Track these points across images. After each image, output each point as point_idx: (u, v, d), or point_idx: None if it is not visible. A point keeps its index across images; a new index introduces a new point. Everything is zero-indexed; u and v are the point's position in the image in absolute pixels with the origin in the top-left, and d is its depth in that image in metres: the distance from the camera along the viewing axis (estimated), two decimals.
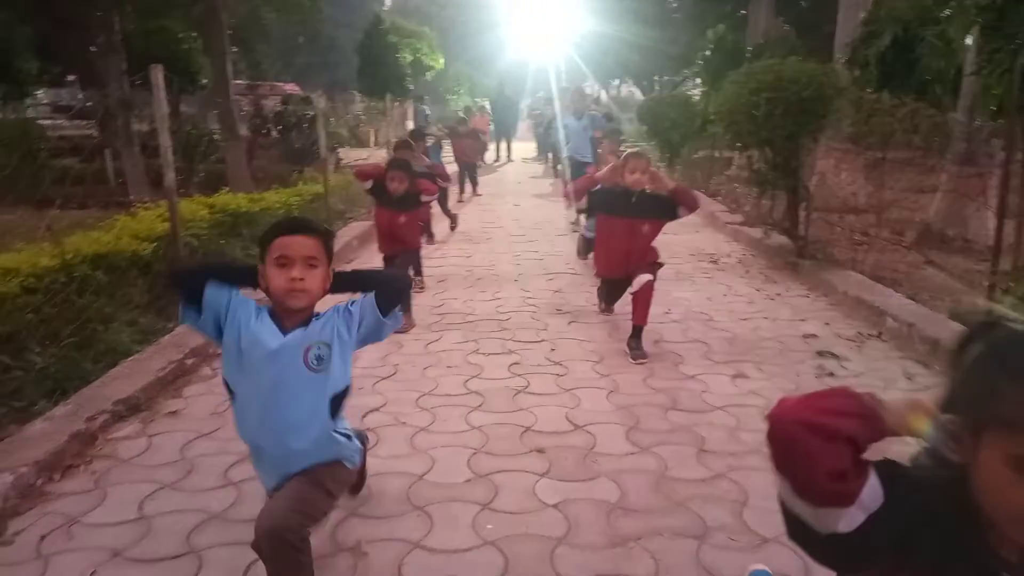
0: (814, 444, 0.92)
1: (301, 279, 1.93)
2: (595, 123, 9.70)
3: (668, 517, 2.66)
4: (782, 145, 6.33)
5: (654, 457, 3.12)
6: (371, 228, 6.95)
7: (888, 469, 0.98)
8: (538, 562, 2.41)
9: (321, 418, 2.03)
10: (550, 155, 15.75)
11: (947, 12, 8.26)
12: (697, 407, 3.65)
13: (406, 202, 5.19)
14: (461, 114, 15.86)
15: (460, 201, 11.38)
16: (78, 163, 10.31)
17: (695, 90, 17.05)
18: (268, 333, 1.98)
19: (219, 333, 2.02)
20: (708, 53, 13.36)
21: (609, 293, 4.97)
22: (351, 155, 13.90)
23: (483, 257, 7.49)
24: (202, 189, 7.95)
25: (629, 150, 4.74)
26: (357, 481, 2.62)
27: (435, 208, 7.94)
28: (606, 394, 3.83)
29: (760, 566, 2.30)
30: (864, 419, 0.95)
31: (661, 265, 4.59)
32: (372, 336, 2.10)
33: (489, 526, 2.58)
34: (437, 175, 6.47)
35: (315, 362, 1.98)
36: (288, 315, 2.00)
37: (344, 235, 8.06)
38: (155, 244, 5.05)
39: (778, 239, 6.97)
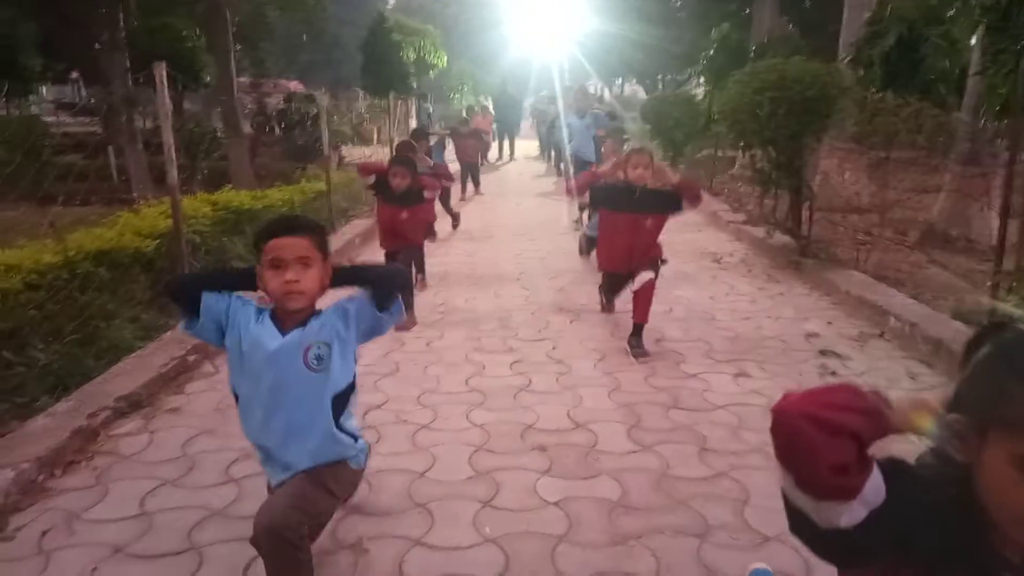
0: (818, 438, 0.92)
1: (296, 281, 1.92)
2: (598, 122, 9.71)
3: (669, 515, 2.66)
4: (785, 144, 6.32)
5: (655, 455, 3.12)
6: (373, 225, 6.95)
7: (892, 466, 0.98)
8: (539, 560, 2.40)
9: (323, 418, 2.02)
10: (552, 153, 15.75)
11: (952, 12, 8.25)
12: (699, 406, 3.65)
13: (408, 198, 5.19)
14: (464, 114, 15.87)
15: (462, 199, 11.38)
16: (81, 160, 10.33)
17: (698, 89, 17.03)
18: (268, 335, 1.99)
19: (222, 338, 2.03)
20: (712, 52, 13.35)
21: (611, 288, 4.97)
22: (354, 153, 13.90)
23: (485, 255, 7.49)
24: (205, 186, 7.98)
25: (631, 145, 4.73)
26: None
27: (437, 207, 7.94)
28: (607, 392, 3.83)
29: (761, 565, 2.30)
30: (868, 415, 0.95)
31: (664, 262, 4.58)
32: (373, 332, 2.08)
33: (487, 529, 2.57)
34: (440, 175, 6.46)
35: (315, 362, 1.97)
36: (288, 316, 2.00)
37: (347, 232, 8.08)
38: (158, 241, 5.05)
39: (781, 238, 6.96)
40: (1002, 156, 6.03)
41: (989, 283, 4.94)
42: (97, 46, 11.68)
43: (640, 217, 4.38)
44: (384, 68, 19.50)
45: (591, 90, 15.30)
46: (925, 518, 0.94)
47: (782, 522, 1.05)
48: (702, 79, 14.68)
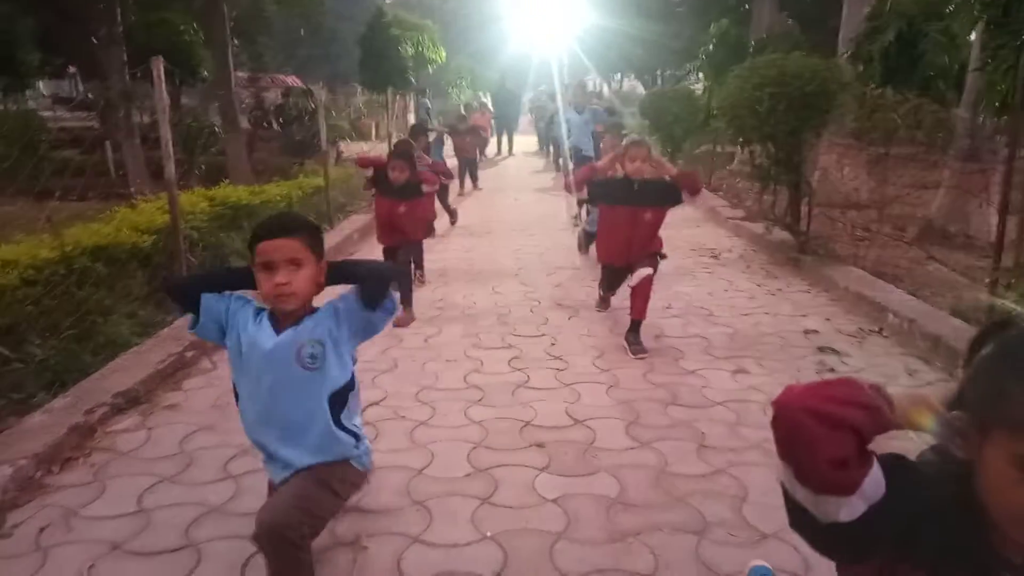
0: (818, 431, 0.91)
1: (286, 283, 1.92)
2: (596, 117, 9.69)
3: (668, 512, 2.66)
4: (785, 140, 6.31)
5: (654, 452, 3.11)
6: (372, 221, 6.93)
7: (893, 462, 0.98)
8: (537, 557, 2.40)
9: (321, 416, 2.01)
10: (551, 149, 15.72)
11: (951, 8, 8.23)
12: (697, 402, 3.64)
13: (406, 191, 5.17)
14: (462, 110, 15.84)
15: (460, 195, 11.37)
16: (78, 155, 10.29)
17: (697, 85, 17.00)
18: (264, 334, 1.99)
19: (224, 338, 2.05)
20: (711, 47, 13.32)
21: (610, 281, 4.95)
22: (352, 148, 13.89)
23: (483, 251, 7.48)
24: (202, 181, 7.95)
25: (629, 138, 4.71)
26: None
27: (436, 204, 7.92)
28: (606, 389, 3.82)
29: (760, 562, 2.30)
30: (869, 410, 0.95)
31: (664, 256, 4.57)
32: (366, 330, 2.06)
33: (488, 533, 2.56)
34: (439, 173, 6.43)
35: (309, 360, 1.97)
36: (283, 315, 2.00)
37: (345, 228, 8.07)
38: (155, 236, 5.04)
39: (780, 234, 6.95)
40: (1001, 152, 6.03)
41: (988, 280, 4.94)
42: (94, 41, 11.62)
43: (639, 210, 4.37)
44: (382, 63, 19.43)
45: (590, 86, 15.25)
46: (925, 515, 0.94)
47: (780, 519, 1.04)
48: (701, 75, 14.65)
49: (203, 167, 10.69)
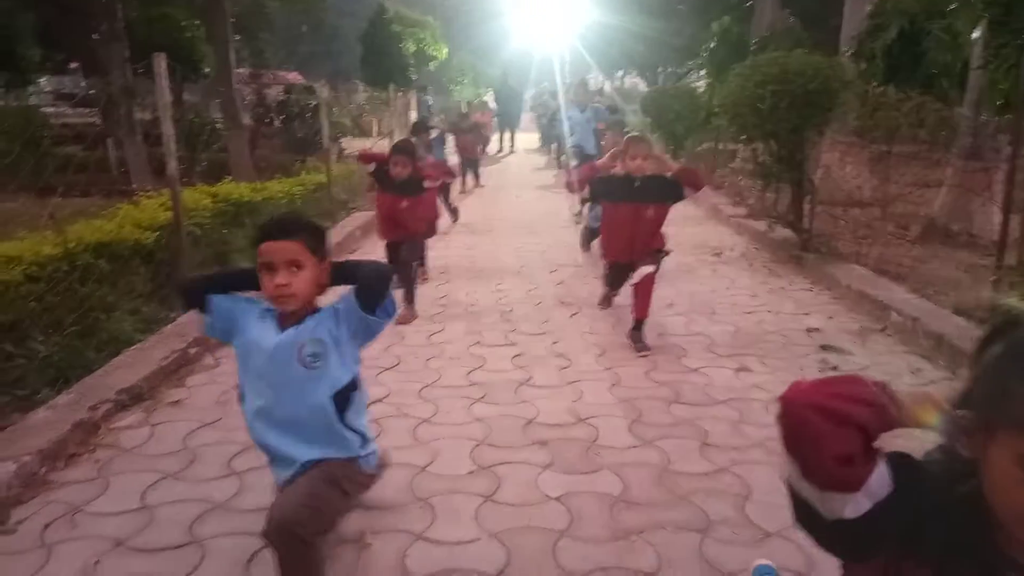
0: (824, 427, 0.92)
1: (285, 284, 1.93)
2: (598, 115, 9.68)
3: (671, 511, 2.66)
4: (787, 138, 6.31)
5: (657, 450, 3.12)
6: (374, 218, 6.93)
7: (899, 460, 0.98)
8: (540, 555, 2.41)
9: (324, 415, 2.02)
10: (554, 146, 15.71)
11: (954, 6, 8.21)
12: (700, 400, 3.65)
13: (408, 187, 5.16)
14: (463, 108, 15.83)
15: (463, 192, 11.37)
16: (81, 151, 10.30)
17: (699, 82, 16.98)
18: (268, 333, 2.01)
19: (232, 338, 2.07)
20: (713, 45, 13.30)
21: (614, 278, 4.95)
22: (354, 145, 13.86)
23: (486, 248, 7.48)
24: (205, 178, 7.94)
25: (629, 135, 4.70)
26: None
27: (438, 203, 7.90)
28: (609, 387, 3.83)
29: (764, 561, 2.30)
30: (876, 407, 0.95)
31: (667, 252, 4.57)
32: (365, 332, 2.06)
33: (488, 527, 2.57)
34: (442, 172, 6.42)
35: (310, 359, 1.98)
36: (287, 315, 2.02)
37: (347, 225, 8.07)
38: (158, 233, 5.04)
39: (782, 232, 6.95)
40: (1004, 151, 6.02)
41: (991, 278, 4.93)
42: (96, 36, 11.60)
43: (641, 207, 4.36)
44: (384, 60, 19.46)
45: (591, 84, 15.21)
46: (931, 514, 0.94)
47: (784, 518, 1.05)
48: (703, 72, 14.62)
49: (205, 164, 10.67)
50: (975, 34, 6.70)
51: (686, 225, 8.08)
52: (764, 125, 6.26)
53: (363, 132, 16.97)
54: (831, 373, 4.00)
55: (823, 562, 2.20)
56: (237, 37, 15.26)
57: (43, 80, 20.08)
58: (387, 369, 4.05)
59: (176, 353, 4.02)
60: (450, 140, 12.03)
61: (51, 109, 16.07)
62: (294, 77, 22.15)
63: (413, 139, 7.36)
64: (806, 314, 5.07)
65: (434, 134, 9.65)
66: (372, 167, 5.34)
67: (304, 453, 2.02)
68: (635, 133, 4.75)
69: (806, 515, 1.00)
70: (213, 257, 5.65)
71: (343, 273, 2.06)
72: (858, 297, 5.20)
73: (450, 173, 7.21)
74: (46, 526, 2.56)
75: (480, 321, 4.98)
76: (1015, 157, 4.94)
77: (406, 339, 4.55)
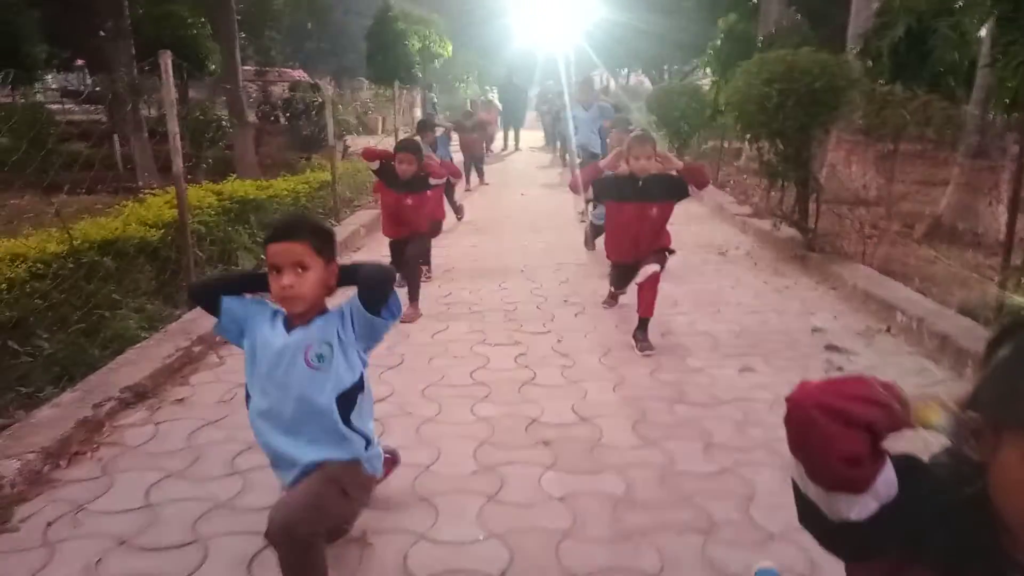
0: (832, 428, 0.91)
1: (291, 286, 1.96)
2: (604, 114, 9.67)
3: (674, 512, 2.65)
4: (793, 136, 6.28)
5: (660, 451, 3.11)
6: (379, 215, 6.93)
7: (906, 462, 0.97)
8: (543, 555, 2.40)
9: (328, 416, 2.03)
10: (558, 144, 15.69)
11: (961, 3, 8.18)
12: (704, 401, 3.64)
13: (414, 184, 5.14)
14: (467, 106, 15.82)
15: (467, 191, 11.36)
16: (87, 148, 10.32)
17: (704, 80, 16.94)
18: (276, 335, 2.04)
19: (242, 339, 2.10)
20: (719, 42, 13.25)
21: (619, 278, 4.94)
22: (359, 142, 13.87)
23: (490, 247, 7.47)
24: (210, 175, 7.97)
25: (633, 134, 4.68)
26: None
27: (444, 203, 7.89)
28: (612, 386, 3.82)
29: (767, 563, 2.29)
30: (884, 408, 0.94)
31: (672, 252, 4.55)
32: (370, 333, 2.08)
33: (491, 527, 2.57)
34: (449, 174, 6.41)
35: (316, 360, 2.00)
36: (295, 316, 2.05)
37: (351, 223, 8.07)
38: (163, 231, 5.05)
39: (787, 231, 6.93)
40: (1011, 150, 5.99)
41: (997, 278, 4.91)
42: (102, 34, 11.64)
43: (646, 206, 4.35)
44: (389, 57, 19.45)
45: (596, 82, 15.19)
46: (937, 517, 0.93)
47: (787, 519, 1.04)
48: (708, 70, 14.58)
49: (210, 161, 10.70)
50: (982, 32, 6.67)
51: (691, 223, 8.06)
52: (770, 123, 6.23)
53: (368, 130, 16.99)
54: (836, 373, 3.99)
55: (826, 564, 2.20)
56: (243, 35, 15.29)
57: (49, 77, 20.13)
58: (391, 368, 4.05)
59: (180, 351, 4.03)
60: (455, 138, 12.02)
61: (56, 106, 16.13)
62: (299, 74, 22.22)
63: (417, 137, 7.37)
64: (811, 314, 5.05)
65: (439, 132, 9.64)
66: (377, 164, 5.33)
67: (306, 455, 2.03)
68: (639, 132, 4.73)
69: (811, 516, 0.99)
70: (218, 255, 5.67)
71: (346, 275, 2.08)
72: (863, 297, 5.18)
73: (455, 173, 7.20)
74: (49, 524, 2.57)
75: (484, 320, 4.97)
76: (1022, 156, 4.90)
77: (410, 338, 4.55)
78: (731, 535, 2.51)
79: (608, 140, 7.57)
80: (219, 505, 2.69)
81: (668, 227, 4.51)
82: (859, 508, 0.93)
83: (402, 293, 4.51)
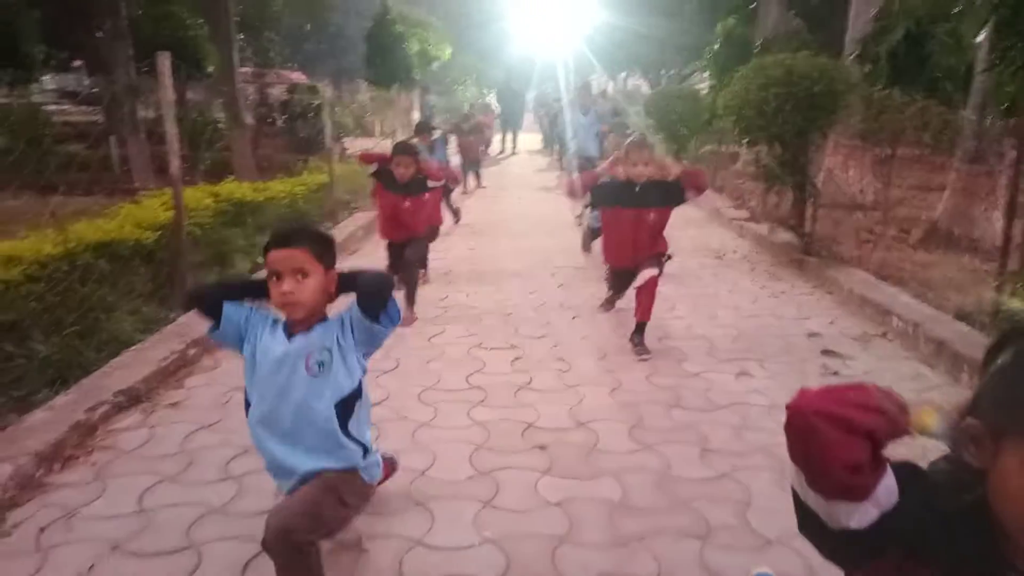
0: (832, 435, 0.91)
1: (291, 292, 1.97)
2: (602, 118, 9.68)
3: (671, 517, 2.64)
4: (791, 141, 6.29)
5: (657, 455, 3.10)
6: (376, 218, 6.92)
7: (906, 470, 0.97)
8: (539, 561, 2.39)
9: (327, 423, 2.04)
10: (556, 147, 15.70)
11: (959, 8, 8.20)
12: (700, 405, 3.63)
13: (412, 187, 5.13)
14: (465, 108, 15.81)
15: (464, 194, 11.36)
16: (83, 149, 10.30)
17: (702, 84, 16.95)
18: (276, 342, 2.04)
19: (242, 345, 2.09)
20: (717, 46, 13.27)
21: (616, 283, 4.93)
22: (356, 144, 13.86)
23: (487, 250, 7.46)
24: (207, 177, 7.94)
25: (630, 140, 4.67)
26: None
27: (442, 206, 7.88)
28: (609, 391, 3.81)
29: (764, 568, 2.29)
30: (884, 415, 0.94)
31: (669, 257, 4.55)
32: (369, 340, 2.07)
33: (487, 533, 2.55)
34: (447, 179, 6.40)
35: (316, 367, 2.01)
36: (296, 323, 2.05)
37: (348, 225, 8.06)
38: (159, 233, 5.03)
39: (784, 235, 6.93)
40: (1008, 155, 6.00)
41: (994, 283, 4.91)
42: (100, 35, 11.63)
43: (643, 212, 4.34)
44: (388, 59, 19.44)
45: (594, 86, 15.18)
46: (937, 524, 0.93)
47: (785, 524, 1.04)
48: (706, 73, 14.60)
49: (208, 163, 10.67)
50: (980, 37, 6.69)
51: (688, 228, 8.06)
52: (769, 127, 6.24)
53: (366, 132, 16.97)
54: (832, 378, 3.99)
55: (823, 571, 2.19)
56: (241, 36, 15.27)
57: (46, 78, 20.10)
58: (386, 372, 4.04)
59: (175, 354, 4.01)
60: (452, 141, 12.02)
61: (54, 107, 16.09)
62: (297, 76, 22.17)
63: (415, 139, 7.35)
64: (807, 318, 5.05)
65: (436, 135, 9.64)
66: (374, 168, 5.31)
67: (304, 463, 2.03)
68: (636, 138, 4.73)
69: (812, 525, 0.99)
70: (213, 257, 5.65)
71: (345, 282, 2.08)
72: (860, 301, 5.18)
73: (455, 178, 7.19)
74: (42, 529, 2.55)
75: (480, 323, 4.96)
76: (1020, 161, 4.91)
77: (406, 341, 4.54)
78: (728, 540, 2.50)
79: (605, 143, 7.57)
80: (213, 510, 2.67)
81: (665, 231, 4.50)
82: (860, 516, 0.93)
83: (399, 296, 4.50)
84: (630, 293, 4.55)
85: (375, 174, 5.32)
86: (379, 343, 2.11)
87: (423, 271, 5.94)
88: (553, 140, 16.43)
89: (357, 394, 2.09)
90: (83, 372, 3.67)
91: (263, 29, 21.09)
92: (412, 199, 5.18)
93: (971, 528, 0.91)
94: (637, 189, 4.29)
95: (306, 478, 2.04)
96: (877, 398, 0.96)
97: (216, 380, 3.92)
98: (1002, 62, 5.56)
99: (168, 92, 4.94)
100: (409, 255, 5.15)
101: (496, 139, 18.76)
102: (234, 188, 6.73)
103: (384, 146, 9.75)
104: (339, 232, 7.53)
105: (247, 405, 2.10)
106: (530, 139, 20.14)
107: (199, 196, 6.02)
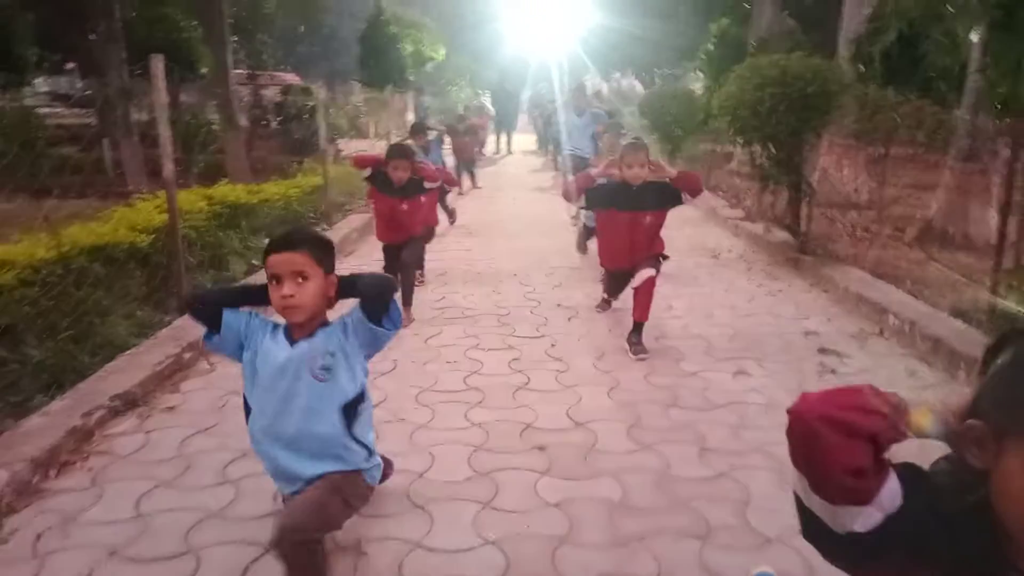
0: (835, 440, 0.90)
1: (291, 296, 1.96)
2: (597, 119, 9.67)
3: (670, 516, 2.64)
4: (786, 140, 6.30)
5: (656, 455, 3.10)
6: (371, 220, 6.91)
7: (909, 472, 0.97)
8: (539, 562, 2.39)
9: (333, 427, 2.04)
10: (550, 147, 15.70)
11: (952, 9, 8.22)
12: (698, 404, 3.63)
13: (408, 189, 5.10)
14: (460, 109, 15.81)
15: (460, 194, 11.34)
16: (77, 152, 10.26)
17: (696, 84, 16.99)
18: (278, 347, 2.04)
19: (241, 352, 2.09)
20: (711, 47, 13.30)
21: (613, 285, 4.93)
22: (351, 146, 13.84)
23: (483, 251, 7.46)
24: (201, 180, 7.91)
25: (626, 142, 4.67)
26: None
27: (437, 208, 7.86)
28: (607, 391, 3.81)
29: (764, 567, 2.29)
30: (887, 417, 0.93)
31: (666, 257, 4.55)
32: (372, 343, 2.08)
33: (491, 535, 2.55)
34: (444, 181, 6.38)
35: (321, 372, 2.01)
36: (297, 328, 2.04)
37: (343, 227, 8.04)
38: (153, 236, 5.01)
39: (780, 235, 6.94)
40: (1002, 153, 6.02)
41: (988, 281, 4.92)
42: (93, 37, 11.58)
43: (639, 214, 4.34)
44: (382, 61, 19.44)
45: (588, 87, 15.21)
46: (939, 525, 0.92)
47: (784, 523, 1.04)
48: (701, 73, 14.62)
49: (202, 165, 10.64)
50: (973, 37, 6.71)
51: (683, 227, 8.06)
52: (763, 127, 6.25)
53: (360, 133, 16.94)
54: (829, 376, 4.00)
55: (823, 570, 2.18)
56: (234, 38, 15.22)
57: (39, 80, 20.00)
58: (384, 374, 4.02)
59: (171, 358, 3.99)
60: (447, 142, 12.02)
61: (46, 110, 16.02)
62: (291, 78, 22.11)
63: (410, 140, 7.33)
64: (804, 317, 5.05)
65: (431, 136, 9.63)
66: (368, 172, 5.26)
67: (310, 469, 2.04)
68: (632, 140, 4.73)
69: (815, 529, 0.98)
70: (208, 260, 5.62)
71: (346, 287, 2.08)
72: (856, 299, 5.19)
73: (452, 181, 7.17)
74: (39, 536, 2.53)
75: (477, 324, 4.96)
76: (1014, 159, 4.92)
77: (403, 343, 4.52)
78: (728, 540, 2.50)
79: (600, 144, 7.57)
80: (211, 515, 2.66)
81: (661, 231, 4.50)
82: (864, 520, 0.93)
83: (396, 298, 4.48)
84: (627, 293, 4.55)
85: (370, 178, 5.28)
86: (381, 346, 2.11)
87: (419, 272, 5.92)
88: (547, 141, 16.43)
89: (361, 397, 2.10)
90: (78, 377, 3.65)
91: (256, 31, 21.03)
92: (409, 201, 5.16)
93: (973, 529, 0.91)
94: (633, 191, 4.28)
95: (311, 481, 2.04)
96: (878, 401, 0.96)
97: (212, 384, 3.90)
98: (995, 62, 5.58)
99: (162, 95, 4.91)
100: (406, 257, 5.13)
101: (490, 140, 18.76)
102: (228, 190, 6.70)
103: (379, 148, 9.74)
104: (334, 234, 7.51)
105: (247, 411, 2.09)
106: (525, 139, 20.14)
107: (193, 199, 5.99)
